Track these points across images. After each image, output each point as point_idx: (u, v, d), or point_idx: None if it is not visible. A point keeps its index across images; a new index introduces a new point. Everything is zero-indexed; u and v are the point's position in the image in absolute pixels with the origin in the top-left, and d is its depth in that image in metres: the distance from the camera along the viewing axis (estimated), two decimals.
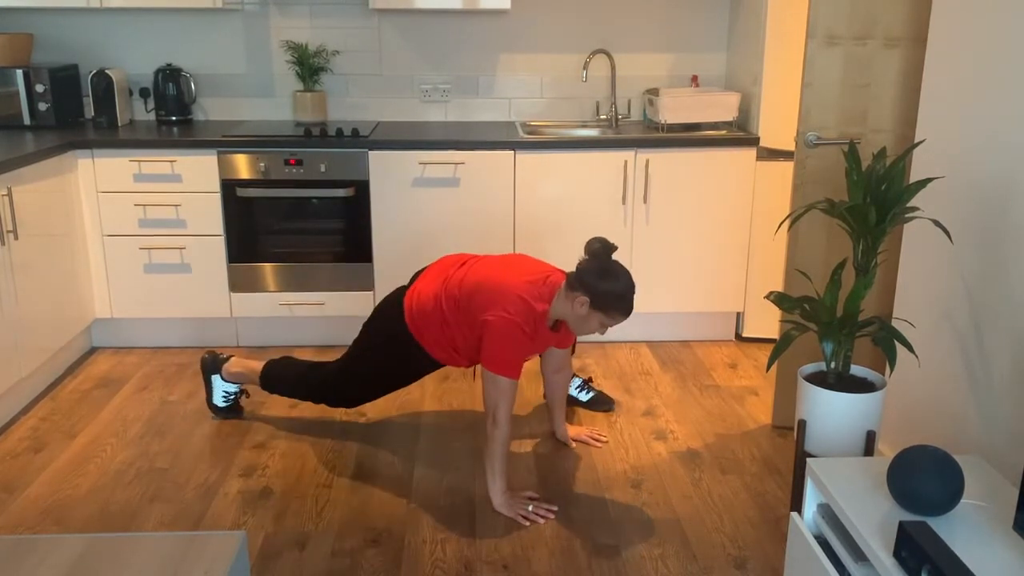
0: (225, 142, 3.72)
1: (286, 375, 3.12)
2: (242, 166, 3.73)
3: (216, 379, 3.24)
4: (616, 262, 2.58)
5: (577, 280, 2.56)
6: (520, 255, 2.83)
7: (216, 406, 3.26)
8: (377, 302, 3.31)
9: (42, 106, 3.93)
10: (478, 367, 3.48)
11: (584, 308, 2.56)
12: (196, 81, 4.24)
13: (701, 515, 2.68)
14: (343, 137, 3.78)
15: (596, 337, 4.04)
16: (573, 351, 3.11)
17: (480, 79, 4.31)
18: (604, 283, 2.53)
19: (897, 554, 1.69)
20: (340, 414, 3.32)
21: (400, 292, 2.90)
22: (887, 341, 2.35)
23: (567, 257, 3.87)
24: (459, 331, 2.73)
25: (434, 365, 2.90)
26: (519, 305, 2.59)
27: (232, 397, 3.26)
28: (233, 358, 3.23)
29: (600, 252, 2.57)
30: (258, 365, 3.16)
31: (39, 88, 3.91)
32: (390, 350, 2.89)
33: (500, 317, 2.58)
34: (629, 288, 2.55)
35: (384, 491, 2.80)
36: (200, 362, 3.28)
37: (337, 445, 3.09)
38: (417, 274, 2.93)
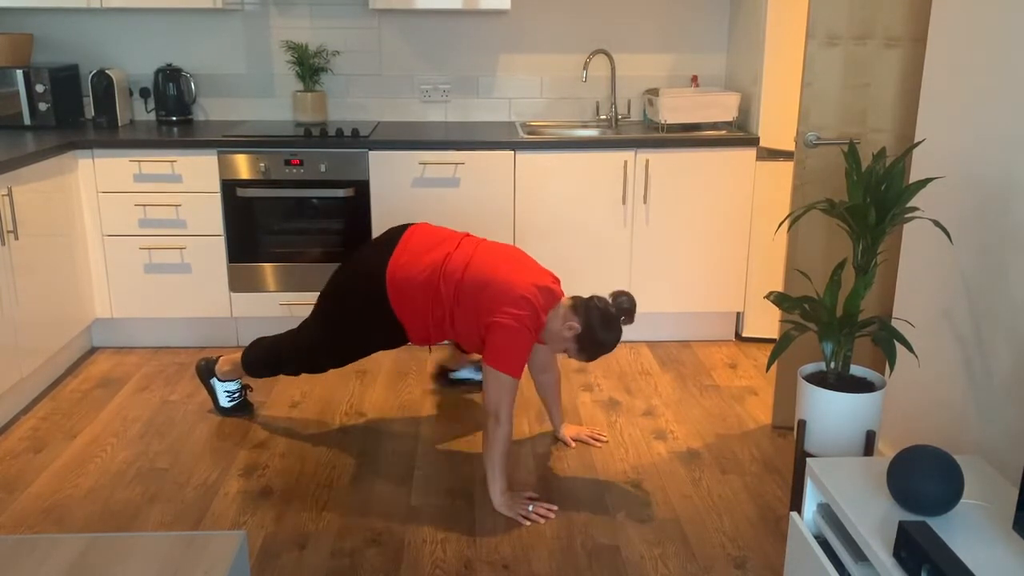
0: (225, 142, 3.72)
1: (262, 354, 3.13)
2: (242, 166, 3.73)
3: (215, 382, 3.27)
4: (620, 322, 2.72)
5: (584, 310, 2.69)
6: (518, 250, 2.83)
7: (224, 408, 3.28)
8: None
9: (42, 106, 3.93)
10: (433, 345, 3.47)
11: (570, 333, 2.70)
12: (196, 81, 4.24)
13: (701, 515, 2.68)
14: (343, 137, 3.78)
15: None
16: None
17: (480, 79, 4.31)
18: (601, 330, 2.69)
19: (897, 554, 1.69)
20: (340, 414, 3.33)
21: (370, 262, 2.83)
22: (887, 341, 2.36)
23: (567, 257, 3.88)
24: (451, 312, 2.73)
25: (396, 340, 2.88)
26: (528, 307, 2.64)
27: (236, 395, 3.29)
28: (222, 357, 3.26)
29: (620, 306, 2.72)
30: (239, 355, 3.20)
31: (39, 88, 3.91)
32: (363, 318, 2.86)
33: (511, 319, 2.61)
34: (611, 345, 2.73)
35: (384, 491, 2.80)
36: (196, 371, 3.32)
37: (337, 445, 3.10)
38: (389, 242, 2.87)
